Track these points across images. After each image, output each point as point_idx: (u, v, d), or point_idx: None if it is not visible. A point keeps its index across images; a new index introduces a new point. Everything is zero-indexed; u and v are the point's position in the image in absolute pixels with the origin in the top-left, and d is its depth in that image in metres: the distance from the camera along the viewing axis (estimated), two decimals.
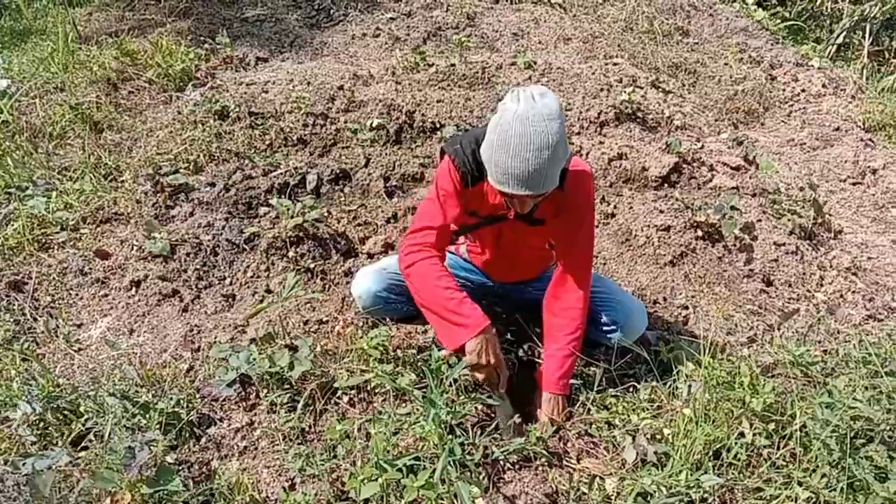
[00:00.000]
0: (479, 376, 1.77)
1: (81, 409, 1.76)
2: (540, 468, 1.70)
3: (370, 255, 2.61)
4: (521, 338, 2.15)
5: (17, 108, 3.36)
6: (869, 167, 3.98)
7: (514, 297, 2.19)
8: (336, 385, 1.85)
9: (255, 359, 1.87)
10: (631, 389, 1.92)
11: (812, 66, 5.18)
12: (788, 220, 3.04)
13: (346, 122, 3.27)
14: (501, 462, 1.69)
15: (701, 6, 5.64)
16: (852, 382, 1.71)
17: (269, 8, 4.89)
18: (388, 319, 2.11)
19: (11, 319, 2.21)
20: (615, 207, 2.97)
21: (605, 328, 2.00)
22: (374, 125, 3.20)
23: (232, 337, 2.14)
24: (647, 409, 1.83)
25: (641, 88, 3.85)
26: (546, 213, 1.82)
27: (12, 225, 2.58)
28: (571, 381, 1.89)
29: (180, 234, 2.54)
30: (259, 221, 2.67)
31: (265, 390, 1.87)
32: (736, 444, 1.65)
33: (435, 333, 1.88)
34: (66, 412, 1.77)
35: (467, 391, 1.88)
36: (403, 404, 1.80)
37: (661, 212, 2.88)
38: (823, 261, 2.89)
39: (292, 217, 2.56)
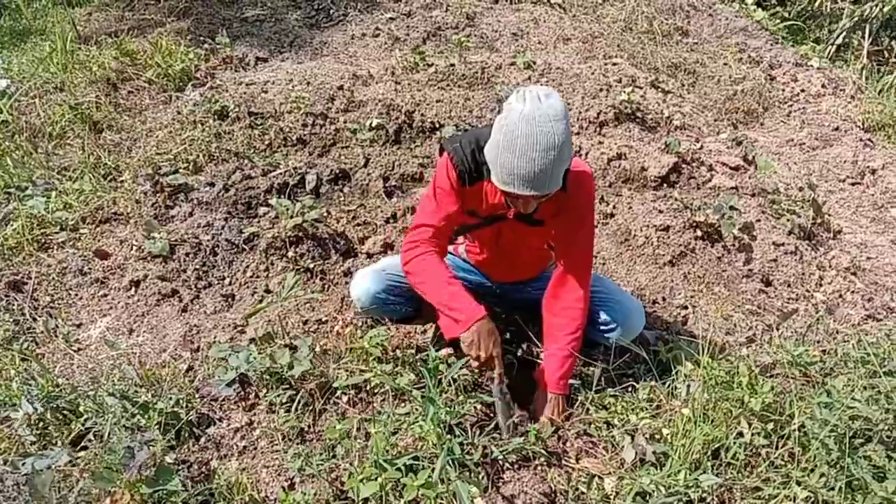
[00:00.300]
0: (476, 364, 1.79)
1: (81, 408, 1.76)
2: (539, 468, 1.70)
3: (369, 255, 2.61)
4: (521, 338, 2.15)
5: (16, 107, 3.36)
6: (868, 167, 3.98)
7: (513, 297, 2.19)
8: (335, 385, 1.86)
9: (254, 359, 1.87)
10: (630, 389, 1.92)
11: (811, 66, 5.18)
12: (787, 220, 3.04)
13: (345, 122, 3.27)
14: (500, 462, 1.69)
15: (700, 6, 5.64)
16: (851, 382, 1.71)
17: (268, 8, 4.89)
18: (387, 319, 2.12)
19: (11, 319, 2.21)
20: (614, 207, 2.98)
21: (603, 328, 2.00)
22: (373, 125, 3.20)
23: (231, 337, 2.14)
24: (646, 409, 1.83)
25: (641, 88, 3.85)
26: (546, 213, 1.82)
27: (12, 225, 2.58)
28: (571, 380, 1.89)
29: (180, 234, 2.54)
30: (258, 221, 2.67)
31: (264, 390, 1.87)
32: (734, 443, 1.65)
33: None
34: (65, 412, 1.77)
35: (466, 391, 1.88)
36: (402, 404, 1.80)
37: (661, 212, 2.88)
38: (822, 261, 2.89)
39: (291, 217, 2.56)
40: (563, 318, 1.87)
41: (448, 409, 1.68)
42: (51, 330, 2.20)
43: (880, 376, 1.68)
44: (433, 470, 1.51)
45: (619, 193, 3.07)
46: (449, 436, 1.63)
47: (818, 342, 2.31)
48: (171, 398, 1.79)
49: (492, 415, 1.85)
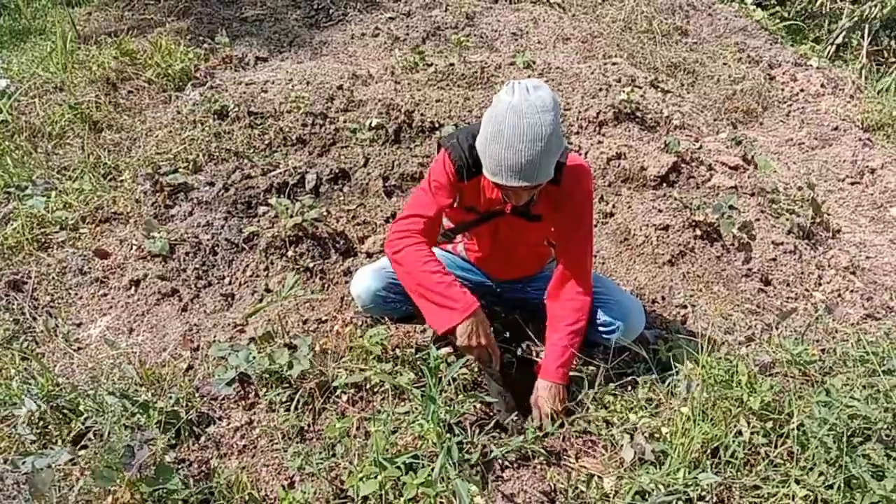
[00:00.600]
0: (471, 356, 1.79)
1: (81, 407, 1.77)
2: (538, 467, 1.70)
3: (369, 255, 2.61)
4: (520, 337, 2.15)
5: (16, 107, 3.36)
6: (867, 167, 3.99)
7: (512, 297, 2.19)
8: (335, 384, 1.86)
9: (254, 358, 1.87)
10: (629, 388, 1.92)
11: (811, 65, 5.18)
12: (787, 219, 3.04)
13: (345, 121, 3.27)
14: (500, 460, 1.69)
15: (700, 6, 5.64)
16: (850, 381, 1.71)
17: (268, 7, 4.89)
18: (386, 318, 2.12)
19: (11, 319, 2.21)
20: (614, 207, 2.98)
21: (603, 327, 2.00)
22: (373, 125, 3.21)
23: (231, 336, 2.14)
24: (646, 408, 1.84)
25: (640, 88, 3.85)
26: (544, 209, 1.82)
27: (12, 224, 2.58)
28: (572, 372, 1.89)
29: (179, 233, 2.55)
30: (258, 221, 2.68)
31: (264, 389, 1.87)
32: (734, 442, 1.65)
33: (425, 317, 1.86)
34: (65, 411, 1.77)
35: (466, 390, 1.88)
36: (402, 403, 1.81)
37: (660, 211, 2.88)
38: (822, 260, 2.90)
39: (291, 216, 2.56)
40: (565, 309, 1.87)
41: (448, 407, 1.69)
42: (51, 329, 2.20)
43: (879, 375, 1.69)
44: (433, 468, 1.52)
45: (618, 193, 3.08)
46: (449, 434, 1.63)
47: (817, 341, 2.31)
48: (170, 397, 1.79)
49: (491, 414, 1.85)
